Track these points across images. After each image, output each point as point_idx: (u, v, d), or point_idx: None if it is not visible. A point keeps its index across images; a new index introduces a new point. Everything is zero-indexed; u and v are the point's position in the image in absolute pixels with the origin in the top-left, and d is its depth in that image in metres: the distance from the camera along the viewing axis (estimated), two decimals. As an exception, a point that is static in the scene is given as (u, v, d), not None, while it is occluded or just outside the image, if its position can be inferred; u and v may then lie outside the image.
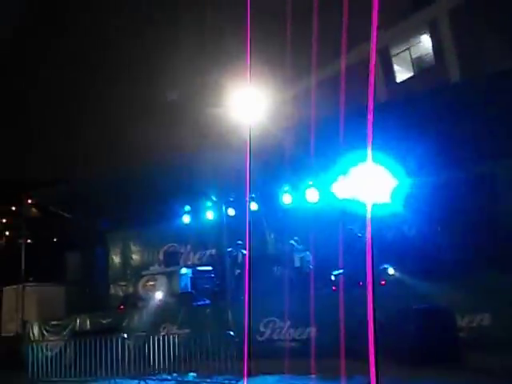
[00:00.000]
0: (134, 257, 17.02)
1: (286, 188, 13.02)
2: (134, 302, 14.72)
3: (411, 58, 13.69)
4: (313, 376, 8.08)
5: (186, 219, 14.88)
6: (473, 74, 11.47)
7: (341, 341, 7.84)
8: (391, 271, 10.00)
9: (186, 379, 9.45)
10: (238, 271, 12.40)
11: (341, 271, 10.75)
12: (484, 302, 8.23)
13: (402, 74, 13.99)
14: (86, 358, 10.13)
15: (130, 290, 15.97)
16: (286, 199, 12.94)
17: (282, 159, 12.68)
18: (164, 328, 12.23)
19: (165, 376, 9.67)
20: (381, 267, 9.93)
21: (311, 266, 11.66)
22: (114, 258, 17.40)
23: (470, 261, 8.79)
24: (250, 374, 8.31)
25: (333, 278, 10.77)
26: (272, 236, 13.40)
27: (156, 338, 10.30)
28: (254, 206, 12.98)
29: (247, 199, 12.00)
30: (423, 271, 9.02)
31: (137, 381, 9.40)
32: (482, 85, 9.85)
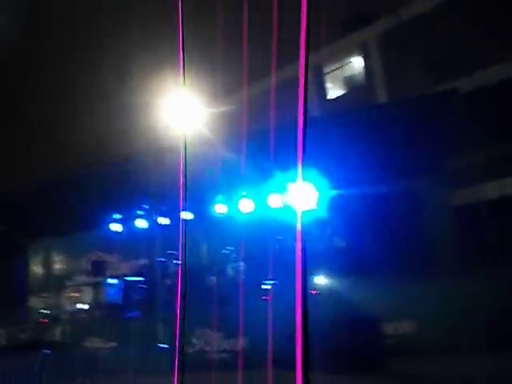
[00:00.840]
0: (58, 266, 16.20)
1: (220, 198, 13.07)
2: (57, 314, 14.02)
3: (343, 77, 14.37)
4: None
5: (115, 227, 14.42)
6: (398, 96, 12.29)
7: (270, 351, 7.95)
8: (322, 280, 10.32)
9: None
10: (169, 282, 12.21)
11: (272, 281, 10.91)
12: (409, 310, 8.71)
13: (334, 91, 14.63)
14: (4, 376, 9.46)
15: (53, 301, 15.17)
16: (220, 209, 12.97)
17: (217, 169, 12.74)
18: (90, 341, 11.74)
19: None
20: (311, 277, 10.22)
21: (243, 277, 11.74)
22: (35, 268, 16.45)
23: (396, 269, 9.29)
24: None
25: (264, 287, 10.90)
26: (205, 246, 13.34)
27: (80, 352, 9.87)
28: (187, 216, 12.85)
29: (181, 208, 11.85)
30: (351, 280, 9.40)
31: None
32: (406, 107, 10.60)
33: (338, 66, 14.73)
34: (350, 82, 14.42)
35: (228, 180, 12.93)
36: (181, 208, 12.50)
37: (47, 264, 16.41)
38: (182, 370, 7.37)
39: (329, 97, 14.77)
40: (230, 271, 12.06)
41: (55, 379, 9.24)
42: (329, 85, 14.90)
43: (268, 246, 11.41)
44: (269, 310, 9.80)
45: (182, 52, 5.99)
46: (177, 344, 8.34)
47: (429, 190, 10.27)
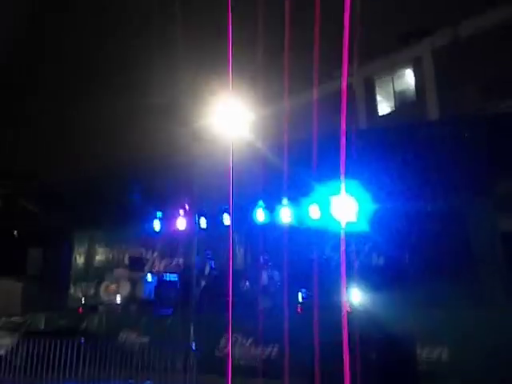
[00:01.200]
0: (99, 258, 16.67)
1: (261, 204, 13.10)
2: (94, 304, 14.41)
3: (394, 91, 14.13)
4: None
5: (156, 225, 14.71)
6: (449, 115, 11.97)
7: (304, 362, 7.87)
8: (356, 297, 10.14)
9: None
10: (204, 283, 12.33)
11: (308, 292, 10.83)
12: (445, 335, 8.42)
13: (383, 104, 14.40)
14: (39, 360, 9.79)
15: (92, 292, 15.62)
16: (260, 216, 13.00)
17: (260, 175, 12.79)
18: (123, 334, 12.00)
19: (120, 382, 9.46)
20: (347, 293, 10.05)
21: (279, 285, 11.70)
22: (78, 257, 17.00)
23: (435, 292, 9.02)
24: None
25: (300, 298, 10.83)
26: (242, 251, 13.39)
27: (114, 344, 10.08)
28: (227, 220, 12.96)
29: (229, 212, 12.05)
30: (389, 301, 9.18)
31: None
32: (457, 126, 10.30)
33: (390, 79, 14.51)
34: (400, 97, 14.16)
35: (270, 187, 12.95)
36: (228, 212, 12.70)
37: (89, 255, 16.92)
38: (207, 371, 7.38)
39: (378, 109, 14.55)
40: (264, 278, 12.04)
41: (88, 367, 9.49)
42: (379, 98, 14.70)
43: (304, 256, 11.34)
44: (303, 320, 9.72)
45: (230, 56, 6.06)
46: (229, 348, 8.37)
47: (476, 212, 9.92)
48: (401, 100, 13.90)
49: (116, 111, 15.71)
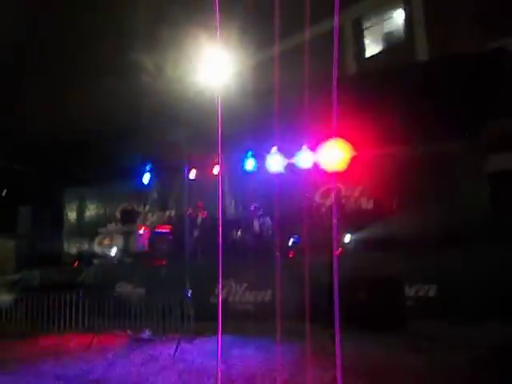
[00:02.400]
0: (90, 214, 16.72)
1: (250, 154, 13.08)
2: (88, 259, 14.58)
3: (382, 33, 13.79)
4: (270, 337, 8.35)
5: (146, 178, 14.71)
6: (439, 55, 11.76)
7: (296, 305, 8.12)
8: (347, 239, 10.35)
9: (140, 336, 9.54)
10: (197, 234, 12.46)
11: (299, 237, 11.02)
12: (432, 274, 8.69)
13: (372, 48, 14.08)
14: (38, 314, 10.00)
15: (85, 247, 15.76)
16: (249, 165, 13.01)
17: (247, 124, 12.66)
18: (119, 286, 12.22)
19: (119, 332, 9.72)
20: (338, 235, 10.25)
21: (270, 232, 11.86)
22: (70, 214, 17.03)
23: (423, 234, 9.22)
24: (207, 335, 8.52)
25: (290, 243, 11.02)
26: (233, 200, 13.47)
27: (110, 296, 10.26)
28: (216, 169, 12.98)
29: (218, 162, 12.05)
30: (378, 240, 9.39)
31: (91, 336, 9.38)
32: (448, 67, 10.15)
33: (378, 20, 14.12)
34: (389, 38, 13.83)
35: (258, 136, 12.86)
36: (217, 162, 12.66)
37: (81, 211, 16.94)
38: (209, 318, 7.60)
39: (367, 53, 14.24)
40: (256, 226, 12.19)
41: (86, 318, 9.70)
42: (367, 40, 14.36)
43: (294, 203, 11.46)
44: (295, 265, 9.95)
45: (217, 5, 5.84)
46: (219, 294, 8.58)
47: (466, 152, 9.98)
48: (389, 42, 13.60)
49: (100, 65, 15.26)
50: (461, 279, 8.40)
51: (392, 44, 13.53)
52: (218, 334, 5.70)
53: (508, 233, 9.03)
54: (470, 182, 10.09)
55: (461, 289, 8.29)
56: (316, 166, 11.11)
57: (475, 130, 9.90)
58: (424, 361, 6.26)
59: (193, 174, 13.74)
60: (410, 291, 8.75)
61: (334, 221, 3.67)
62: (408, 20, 13.19)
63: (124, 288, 12.16)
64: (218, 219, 11.52)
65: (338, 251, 9.80)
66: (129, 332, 9.72)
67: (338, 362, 2.73)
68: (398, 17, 13.60)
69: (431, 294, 8.72)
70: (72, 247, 16.28)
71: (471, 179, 10.08)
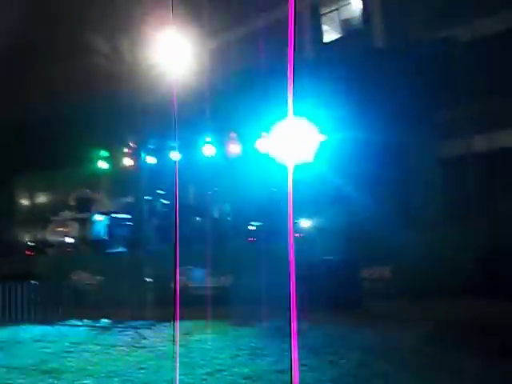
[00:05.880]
0: (44, 201, 16.19)
1: (209, 139, 12.98)
2: (42, 247, 14.15)
3: (339, 20, 13.92)
4: (229, 321, 8.42)
5: (102, 164, 14.34)
6: (396, 41, 12.01)
7: (256, 289, 8.21)
8: (306, 224, 10.51)
9: (97, 325, 9.39)
10: (158, 221, 12.31)
11: (258, 223, 11.10)
12: (386, 256, 8.98)
13: (329, 34, 14.20)
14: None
15: (39, 235, 15.26)
16: (208, 151, 12.92)
17: (206, 110, 12.55)
18: (75, 275, 11.95)
19: (75, 322, 9.53)
20: (296, 221, 10.40)
21: (229, 218, 11.89)
22: (21, 201, 16.42)
23: (380, 218, 9.48)
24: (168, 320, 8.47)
25: (250, 228, 11.09)
26: (192, 187, 13.37)
27: (67, 285, 10.04)
28: (175, 155, 12.82)
29: (173, 147, 11.92)
30: (336, 225, 9.60)
31: (46, 326, 9.16)
32: (402, 52, 10.41)
33: (335, 7, 14.24)
34: (346, 25, 14.00)
35: (217, 121, 12.79)
36: (171, 148, 12.51)
37: (33, 198, 16.38)
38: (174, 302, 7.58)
39: (324, 39, 14.36)
40: (216, 212, 12.19)
41: (41, 309, 9.45)
42: (325, 27, 14.47)
43: (254, 188, 11.50)
44: (254, 249, 10.04)
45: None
46: (177, 279, 8.52)
47: (418, 139, 10.30)
48: (347, 29, 13.77)
49: (52, 51, 14.72)
50: (413, 260, 8.71)
51: (349, 31, 13.72)
52: (175, 319, 5.67)
53: (460, 215, 9.43)
54: (422, 167, 10.44)
55: (413, 269, 8.61)
56: (273, 150, 11.16)
57: (427, 116, 10.22)
58: (379, 337, 6.50)
59: (150, 160, 13.53)
60: (365, 273, 9.02)
61: (290, 206, 3.70)
62: (365, 7, 13.39)
63: (80, 276, 11.90)
64: (175, 206, 11.44)
65: (296, 236, 9.95)
66: (85, 321, 9.55)
67: (294, 342, 2.78)
68: (356, 4, 13.79)
69: (386, 274, 9.03)
70: (23, 236, 15.74)
71: (423, 165, 10.43)
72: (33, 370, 6.54)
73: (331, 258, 8.86)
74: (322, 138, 10.23)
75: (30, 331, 9.07)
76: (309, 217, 10.68)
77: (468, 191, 9.75)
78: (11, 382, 6.03)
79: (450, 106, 10.45)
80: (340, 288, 8.11)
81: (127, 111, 13.50)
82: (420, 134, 10.24)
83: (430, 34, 11.55)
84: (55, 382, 5.90)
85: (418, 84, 9.80)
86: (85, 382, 5.80)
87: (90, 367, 6.47)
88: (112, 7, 14.45)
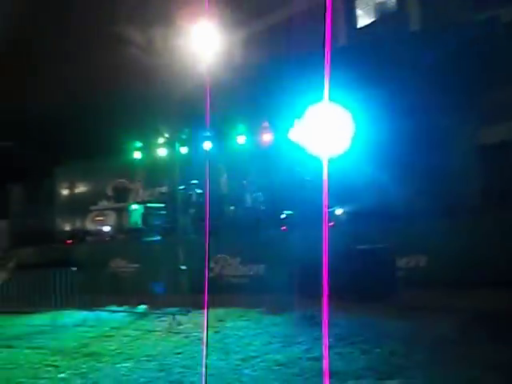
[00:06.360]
0: (83, 191, 16.67)
1: (241, 129, 13.03)
2: (82, 236, 14.61)
3: (374, 3, 13.62)
4: (262, 309, 8.50)
5: (137, 155, 14.64)
6: (432, 25, 11.65)
7: (289, 277, 8.25)
8: (339, 212, 10.42)
9: (135, 311, 9.66)
10: (193, 210, 12.46)
11: (290, 212, 11.08)
12: (422, 245, 8.81)
13: (364, 18, 13.92)
14: (34, 291, 10.04)
15: (78, 224, 15.77)
16: (240, 140, 12.97)
17: (238, 99, 12.57)
18: (113, 262, 12.30)
19: (115, 308, 9.83)
20: (329, 209, 10.31)
21: (263, 207, 11.92)
22: (62, 191, 16.97)
23: (415, 206, 9.30)
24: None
25: (282, 217, 11.08)
26: (225, 176, 13.47)
27: (105, 272, 10.35)
28: (208, 145, 12.93)
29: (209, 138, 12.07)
30: (370, 213, 9.48)
31: (86, 312, 9.50)
32: (440, 36, 10.07)
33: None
34: (382, 8, 13.67)
35: (250, 110, 12.79)
36: (208, 139, 12.62)
37: (72, 188, 16.88)
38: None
39: (359, 24, 14.07)
40: (249, 201, 12.24)
41: (82, 295, 9.78)
42: (359, 12, 14.19)
43: (288, 178, 11.47)
44: (287, 238, 10.04)
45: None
46: (206, 267, 8.69)
47: (458, 124, 9.98)
48: (382, 12, 13.44)
49: (87, 42, 15.00)
50: (450, 249, 8.52)
51: (384, 14, 13.40)
52: (205, 307, 5.80)
53: (499, 203, 9.13)
54: (462, 154, 10.13)
55: (450, 258, 8.43)
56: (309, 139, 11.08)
57: (470, 101, 9.89)
58: (412, 327, 6.42)
59: (183, 151, 13.71)
60: (400, 262, 8.89)
61: (325, 194, 3.68)
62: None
63: (118, 264, 12.25)
64: (212, 195, 11.56)
65: (330, 224, 9.89)
66: (124, 307, 9.84)
67: (325, 330, 2.80)
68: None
69: (422, 264, 8.88)
70: (64, 225, 16.28)
71: (463, 152, 10.11)
72: (75, 352, 6.83)
73: (365, 246, 8.77)
74: (356, 125, 10.08)
75: (71, 316, 9.45)
76: (343, 205, 10.58)
77: (508, 179, 9.40)
78: (56, 363, 6.33)
79: (490, 91, 10.08)
80: (374, 277, 8.03)
81: (161, 102, 13.67)
82: (460, 119, 9.93)
83: (469, 16, 11.14)
84: (96, 364, 6.16)
85: (457, 68, 9.49)
86: (124, 364, 6.02)
87: (128, 351, 6.71)
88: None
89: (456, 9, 11.32)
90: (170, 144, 14.10)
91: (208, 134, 12.85)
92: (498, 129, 10.18)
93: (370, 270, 8.18)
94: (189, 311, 8.62)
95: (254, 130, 12.92)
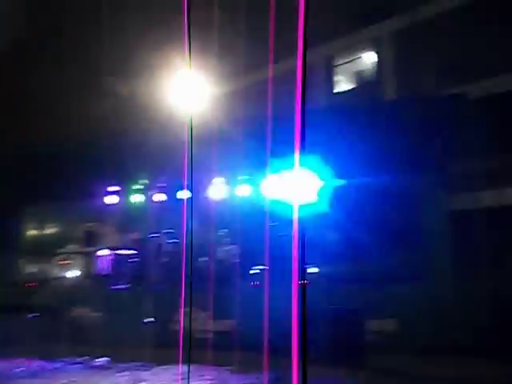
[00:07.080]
0: (51, 233, 16.22)
1: (219, 180, 13.10)
2: (45, 279, 14.10)
3: (353, 71, 14.35)
4: (231, 368, 8.24)
5: (111, 199, 14.44)
6: (407, 95, 12.31)
7: (259, 335, 8.06)
8: (312, 270, 10.41)
9: (97, 364, 9.21)
10: (164, 260, 12.24)
11: (262, 267, 11.00)
12: (393, 308, 8.82)
13: (342, 84, 14.61)
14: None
15: (43, 267, 15.22)
16: (217, 191, 13.01)
17: (216, 151, 12.74)
18: (77, 309, 11.83)
19: (75, 359, 9.36)
20: (301, 266, 10.28)
21: (237, 260, 11.81)
22: (28, 232, 16.48)
23: (388, 266, 9.39)
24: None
25: (255, 271, 10.98)
26: (200, 227, 13.36)
27: (68, 320, 9.92)
28: (183, 195, 12.91)
29: (185, 187, 12.01)
30: (343, 273, 9.50)
31: (45, 362, 9.00)
32: (413, 106, 10.64)
33: (349, 59, 14.69)
34: (359, 77, 14.40)
35: (228, 163, 12.94)
36: (184, 187, 12.61)
37: (40, 229, 16.44)
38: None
39: (337, 89, 14.75)
40: (222, 254, 12.13)
41: (40, 342, 9.32)
42: (338, 77, 14.88)
43: (262, 231, 11.47)
44: (258, 294, 9.90)
45: (187, 34, 5.94)
46: (181, 321, 8.43)
47: (428, 190, 10.33)
48: (359, 80, 14.16)
49: (67, 87, 15.19)
50: (420, 313, 8.54)
51: (361, 83, 14.12)
52: (178, 362, 5.58)
53: (468, 269, 9.32)
54: (434, 218, 10.41)
55: (420, 322, 8.44)
56: (283, 196, 11.23)
57: (439, 167, 10.31)
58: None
59: (158, 197, 13.64)
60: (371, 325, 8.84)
61: (295, 252, 3.70)
62: (379, 61, 13.81)
63: (81, 311, 11.77)
64: (182, 245, 11.42)
65: (302, 282, 9.82)
66: (83, 358, 9.38)
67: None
68: (369, 57, 14.26)
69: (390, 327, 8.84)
70: (29, 267, 15.68)
71: (435, 216, 10.40)
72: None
73: (337, 307, 8.72)
74: (330, 182, 10.33)
75: (27, 366, 8.92)
76: (314, 263, 10.59)
77: (476, 246, 9.68)
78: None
79: (459, 160, 10.57)
80: (343, 339, 7.94)
81: (139, 149, 13.74)
82: (432, 185, 10.31)
83: (441, 89, 11.84)
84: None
85: (428, 138, 9.96)
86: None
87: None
88: (129, 50, 14.98)
89: (429, 81, 12.05)
90: (145, 191, 14.02)
91: (184, 183, 12.87)
92: (465, 197, 10.60)
93: (340, 331, 8.10)
94: (151, 366, 8.27)
95: (231, 183, 13.01)
